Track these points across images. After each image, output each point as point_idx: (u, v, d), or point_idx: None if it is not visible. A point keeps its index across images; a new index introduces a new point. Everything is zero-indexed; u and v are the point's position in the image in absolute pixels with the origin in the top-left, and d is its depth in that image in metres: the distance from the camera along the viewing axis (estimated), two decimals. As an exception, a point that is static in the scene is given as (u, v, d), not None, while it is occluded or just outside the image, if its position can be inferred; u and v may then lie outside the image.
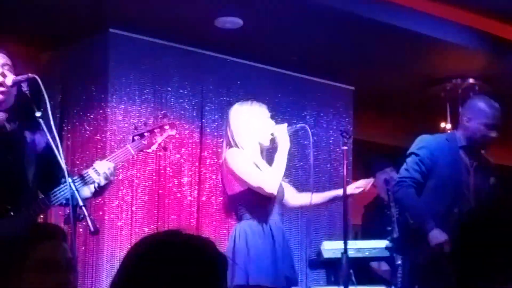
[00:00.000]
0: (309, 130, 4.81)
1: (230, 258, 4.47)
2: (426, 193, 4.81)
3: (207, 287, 1.76)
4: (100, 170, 3.72)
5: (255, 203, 4.53)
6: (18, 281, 2.38)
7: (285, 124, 4.65)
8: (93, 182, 3.71)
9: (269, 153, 4.68)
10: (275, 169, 4.52)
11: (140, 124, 4.10)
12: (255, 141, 4.61)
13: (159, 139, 4.01)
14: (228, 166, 4.55)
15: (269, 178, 4.49)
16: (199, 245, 1.82)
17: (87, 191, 3.73)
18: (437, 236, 4.62)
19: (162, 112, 4.52)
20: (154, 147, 4.01)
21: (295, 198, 4.82)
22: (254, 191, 4.47)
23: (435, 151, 4.87)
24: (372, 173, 6.26)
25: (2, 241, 2.52)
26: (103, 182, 3.72)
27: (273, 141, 4.62)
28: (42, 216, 4.14)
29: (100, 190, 3.78)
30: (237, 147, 4.60)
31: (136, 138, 3.97)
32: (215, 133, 6.37)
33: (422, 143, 4.92)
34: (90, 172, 3.73)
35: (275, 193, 4.49)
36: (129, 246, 6.01)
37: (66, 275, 2.48)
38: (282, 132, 4.57)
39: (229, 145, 4.66)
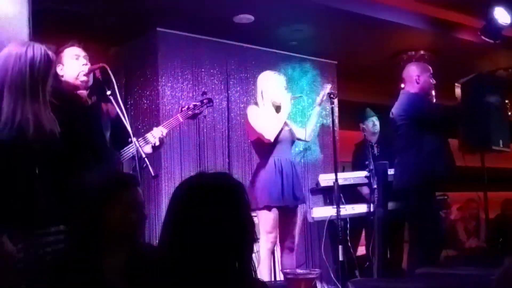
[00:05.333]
0: (305, 98, 4.77)
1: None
2: None
3: (232, 207, 1.82)
4: (156, 134, 3.72)
5: (267, 146, 4.49)
6: (112, 215, 2.37)
7: (290, 94, 4.61)
8: (151, 142, 3.71)
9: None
10: (274, 123, 4.46)
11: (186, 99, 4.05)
12: (270, 99, 4.56)
13: (201, 110, 4.00)
14: (247, 118, 4.54)
15: (269, 129, 4.43)
16: (220, 177, 1.90)
17: (148, 148, 3.72)
18: None
19: (203, 90, 4.50)
20: (196, 116, 4.01)
21: (300, 134, 4.74)
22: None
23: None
24: (361, 120, 6.14)
25: (97, 186, 2.48)
26: (157, 143, 3.72)
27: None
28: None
29: (157, 147, 3.77)
30: (257, 103, 4.57)
31: (183, 109, 3.96)
32: (238, 100, 6.33)
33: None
34: (149, 136, 3.73)
35: (272, 139, 4.41)
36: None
37: (142, 212, 2.48)
38: (285, 99, 4.53)
39: (253, 102, 4.64)
